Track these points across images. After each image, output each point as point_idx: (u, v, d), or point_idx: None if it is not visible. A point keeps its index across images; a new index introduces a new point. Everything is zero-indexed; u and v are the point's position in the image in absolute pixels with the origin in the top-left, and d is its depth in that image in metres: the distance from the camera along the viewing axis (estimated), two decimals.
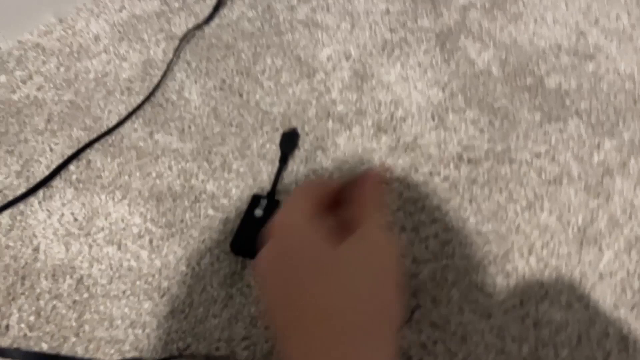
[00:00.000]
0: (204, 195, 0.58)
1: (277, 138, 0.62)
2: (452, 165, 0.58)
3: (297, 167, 0.59)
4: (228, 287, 0.51)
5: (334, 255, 0.31)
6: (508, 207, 0.55)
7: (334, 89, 0.65)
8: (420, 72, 0.66)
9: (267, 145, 0.61)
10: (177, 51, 0.70)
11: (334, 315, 0.29)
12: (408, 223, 0.54)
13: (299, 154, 0.60)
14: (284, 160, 0.58)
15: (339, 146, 0.60)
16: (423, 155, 0.59)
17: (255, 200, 0.54)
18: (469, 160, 0.58)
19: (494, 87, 0.63)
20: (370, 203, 0.34)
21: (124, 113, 0.65)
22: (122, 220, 0.56)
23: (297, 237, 0.32)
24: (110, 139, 0.63)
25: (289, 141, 0.60)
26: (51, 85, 0.68)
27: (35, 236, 0.56)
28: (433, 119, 0.62)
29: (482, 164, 0.58)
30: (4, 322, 0.50)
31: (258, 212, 0.53)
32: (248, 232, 0.52)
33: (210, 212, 0.57)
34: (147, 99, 0.66)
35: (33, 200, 0.58)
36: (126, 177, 0.60)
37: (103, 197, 0.58)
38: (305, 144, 0.61)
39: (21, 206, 0.58)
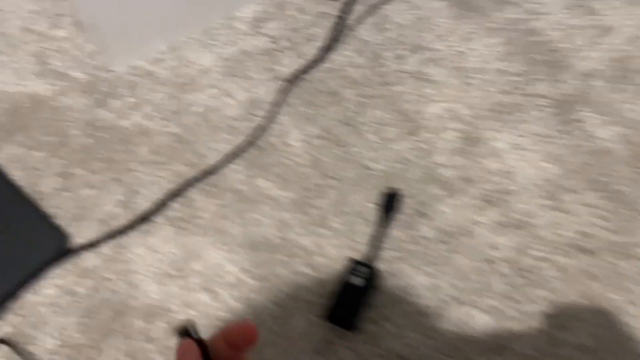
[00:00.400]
0: (299, 251, 0.57)
1: (378, 197, 0.60)
2: (565, 252, 0.55)
3: (397, 232, 0.57)
4: (318, 356, 0.50)
5: None
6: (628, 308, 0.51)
7: (439, 151, 0.63)
8: (535, 142, 0.62)
9: (366, 204, 0.60)
10: (284, 94, 0.70)
11: None
12: (513, 311, 0.51)
13: (400, 218, 0.58)
14: (384, 223, 0.57)
15: (442, 214, 0.58)
16: (533, 237, 0.56)
17: (353, 265, 0.53)
18: (585, 250, 0.55)
19: (617, 168, 0.59)
20: None
21: (226, 152, 0.65)
22: (218, 267, 0.57)
23: None
24: (212, 178, 0.63)
25: (391, 203, 0.58)
26: (159, 115, 0.69)
27: (133, 272, 0.57)
28: (547, 197, 0.58)
29: (600, 255, 0.54)
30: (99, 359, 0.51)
31: (358, 280, 0.52)
32: (347, 302, 0.51)
33: (305, 269, 0.56)
34: (251, 141, 0.66)
35: (135, 234, 0.59)
36: (225, 221, 0.60)
37: (201, 239, 0.59)
38: (406, 208, 0.59)
39: (123, 238, 0.59)
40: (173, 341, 0.52)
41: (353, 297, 0.51)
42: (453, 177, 0.61)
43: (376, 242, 0.55)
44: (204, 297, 0.54)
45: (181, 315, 0.53)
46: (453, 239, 0.56)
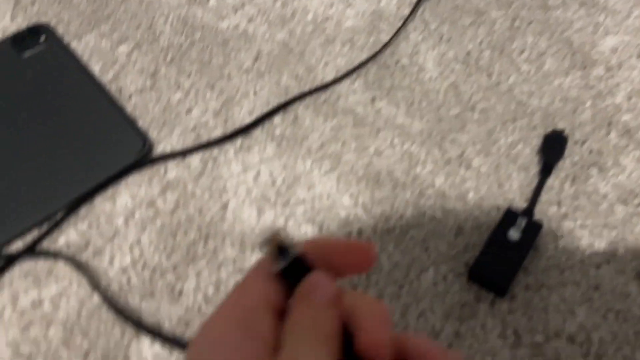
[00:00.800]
0: (430, 191, 0.46)
1: (534, 140, 0.48)
2: None
3: (561, 184, 0.45)
4: (455, 321, 0.39)
5: None
6: None
7: (619, 92, 0.49)
8: None
9: (520, 146, 0.47)
10: (415, 7, 0.57)
11: None
12: None
13: (565, 167, 0.46)
14: (547, 169, 0.44)
15: (624, 169, 0.45)
16: None
17: (509, 216, 0.41)
18: None
19: None
20: (306, 335, 0.21)
21: (343, 68, 0.54)
22: (328, 197, 0.46)
23: None
24: (323, 95, 0.52)
25: (555, 146, 0.46)
26: (264, 19, 0.59)
27: (226, 190, 0.47)
28: None
29: None
30: (179, 286, 0.42)
31: (513, 234, 0.40)
32: (496, 258, 0.39)
33: (439, 214, 0.44)
34: (373, 57, 0.54)
35: (229, 147, 0.49)
36: (338, 146, 0.49)
37: (308, 163, 0.48)
38: (574, 155, 0.46)
39: (215, 151, 0.49)
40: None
41: (505, 254, 0.39)
42: (638, 125, 0.47)
43: (536, 192, 0.43)
44: (310, 230, 0.44)
45: None
46: (637, 199, 0.43)
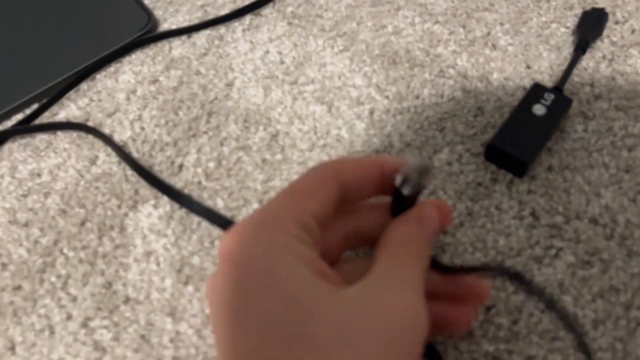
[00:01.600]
0: (452, 71, 0.42)
1: (570, 19, 0.43)
2: None
3: (596, 64, 0.41)
4: (468, 201, 0.36)
5: (336, 298, 0.22)
6: None
7: None
8: None
9: (553, 26, 0.43)
10: None
11: None
12: None
13: (602, 47, 0.41)
14: (582, 47, 0.40)
15: None
16: None
17: (536, 90, 0.37)
18: None
19: None
20: (414, 249, 0.25)
21: None
22: (340, 77, 0.43)
23: (272, 274, 0.22)
24: None
25: (593, 24, 0.41)
26: None
27: (232, 69, 0.44)
28: None
29: None
30: (179, 160, 0.40)
31: (539, 108, 0.36)
32: (518, 133, 0.35)
33: (458, 94, 0.41)
34: None
35: (237, 25, 0.46)
36: (354, 24, 0.45)
37: (320, 42, 0.44)
38: (614, 35, 0.42)
39: (222, 29, 0.46)
40: (272, 153, 0.39)
41: (528, 129, 0.35)
42: None
43: (568, 69, 0.39)
44: (319, 110, 0.41)
45: (286, 127, 0.40)
46: None
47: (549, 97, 0.36)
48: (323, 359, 0.20)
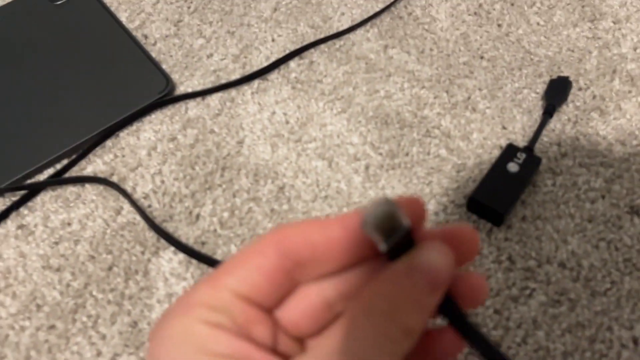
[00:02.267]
0: (437, 131, 0.48)
1: (539, 86, 0.49)
2: None
3: (562, 126, 0.47)
4: None
5: None
6: None
7: (625, 42, 0.51)
8: None
9: (525, 92, 0.49)
10: None
11: None
12: None
13: (568, 111, 0.47)
14: (549, 112, 0.46)
15: (624, 113, 0.46)
16: None
17: (510, 150, 0.43)
18: None
19: None
20: (387, 314, 0.18)
21: (358, 18, 0.56)
22: (338, 136, 0.48)
23: None
24: (338, 42, 0.54)
25: (558, 91, 0.47)
26: None
27: (242, 128, 0.49)
28: None
29: None
30: (196, 211, 0.45)
31: (512, 166, 0.42)
32: (495, 188, 0.41)
33: (443, 152, 0.46)
34: (387, 8, 0.56)
35: (246, 89, 0.52)
36: (350, 89, 0.51)
37: (321, 104, 0.50)
38: (577, 100, 0.48)
39: (233, 92, 0.52)
40: (279, 204, 0.44)
41: (504, 184, 0.41)
42: None
43: (537, 131, 0.45)
44: (320, 165, 0.46)
45: (291, 180, 0.46)
46: (635, 140, 0.45)
47: (521, 156, 0.42)
48: None
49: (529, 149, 0.43)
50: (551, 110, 0.46)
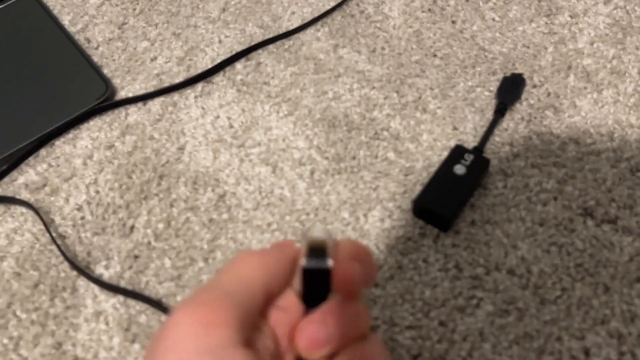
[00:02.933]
0: (386, 133, 0.45)
1: (493, 84, 0.47)
2: None
3: (515, 125, 0.45)
4: (399, 255, 0.39)
5: None
6: None
7: (582, 37, 0.49)
8: None
9: (478, 90, 0.47)
10: None
11: None
12: None
13: (521, 109, 0.45)
14: (501, 111, 0.44)
15: (579, 110, 0.44)
16: None
17: (457, 152, 0.41)
18: None
19: None
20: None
21: (308, 17, 0.54)
22: (284, 140, 0.46)
23: None
24: (287, 43, 0.52)
25: (511, 89, 0.45)
26: None
27: (184, 134, 0.47)
28: None
29: None
30: (130, 222, 0.42)
31: (459, 168, 0.40)
32: (441, 192, 0.39)
33: (391, 155, 0.44)
34: (339, 5, 0.54)
35: (190, 92, 0.50)
36: (298, 91, 0.49)
37: (267, 107, 0.48)
38: (531, 98, 0.46)
39: (176, 96, 0.49)
40: (219, 213, 0.42)
41: (450, 187, 0.39)
42: (598, 68, 0.47)
43: (487, 131, 0.43)
44: (264, 171, 0.44)
45: (233, 188, 0.43)
46: (590, 139, 0.43)
47: (469, 158, 0.40)
48: None
49: (478, 150, 0.41)
50: (503, 110, 0.44)
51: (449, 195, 0.38)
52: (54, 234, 0.42)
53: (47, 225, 0.42)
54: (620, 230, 0.38)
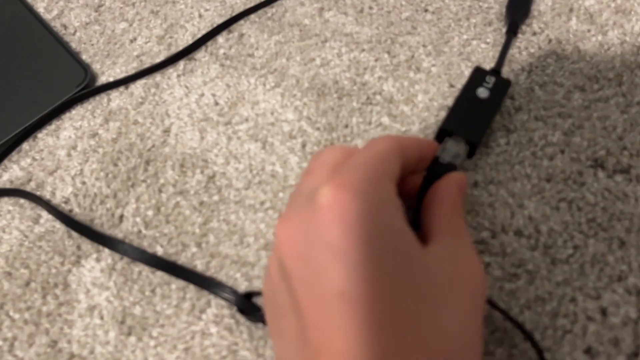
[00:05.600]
0: (378, 97, 0.43)
1: (490, 35, 0.44)
2: None
3: (515, 76, 0.42)
4: None
5: (423, 257, 0.23)
6: None
7: None
8: None
9: (474, 43, 0.44)
10: None
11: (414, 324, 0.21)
12: None
13: (521, 59, 0.42)
14: (513, 30, 0.41)
15: (584, 55, 0.41)
16: None
17: (478, 75, 0.38)
18: None
19: None
20: (458, 212, 0.27)
21: None
22: (272, 113, 0.44)
23: (385, 217, 0.23)
24: (270, 11, 0.49)
25: (520, 6, 0.42)
26: None
27: (168, 115, 0.45)
28: None
29: None
30: (119, 211, 0.41)
31: (482, 92, 0.37)
32: (468, 116, 0.36)
33: (385, 120, 0.42)
34: None
35: (172, 72, 0.47)
36: (283, 60, 0.46)
37: (252, 80, 0.46)
38: (531, 47, 0.43)
39: (157, 77, 0.47)
40: (209, 195, 0.40)
41: (477, 110, 0.36)
42: (601, 9, 0.43)
43: (502, 52, 0.40)
44: (253, 147, 0.42)
45: (222, 167, 0.41)
46: (596, 85, 0.40)
47: (491, 80, 0.37)
48: (430, 307, 0.22)
49: (496, 71, 0.39)
50: (515, 28, 0.41)
51: (475, 121, 0.36)
52: (42, 229, 0.40)
53: (51, 207, 0.40)
54: (634, 179, 0.35)
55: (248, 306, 0.35)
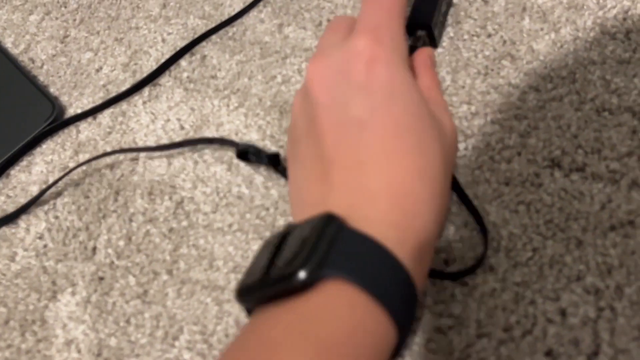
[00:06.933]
0: None
1: (445, 38, 0.45)
2: None
3: (472, 80, 0.42)
4: None
5: (427, 105, 0.27)
6: None
7: None
8: None
9: None
10: None
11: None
12: None
13: (476, 62, 0.43)
14: None
15: (537, 54, 0.41)
16: None
17: None
18: None
19: None
20: (435, 81, 0.31)
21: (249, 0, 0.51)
22: (237, 134, 0.44)
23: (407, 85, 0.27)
24: (230, 30, 0.50)
25: None
26: None
27: (136, 143, 0.46)
28: None
29: None
30: (91, 244, 0.41)
31: None
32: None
33: None
34: None
35: (137, 99, 0.48)
36: (246, 80, 0.47)
37: (216, 102, 0.46)
38: (486, 49, 0.43)
39: (124, 105, 0.48)
40: (178, 221, 0.41)
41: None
42: (553, 5, 0.43)
43: None
44: (219, 170, 0.43)
45: (190, 192, 0.42)
46: (550, 84, 0.40)
47: None
48: (427, 144, 0.25)
49: None
50: None
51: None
52: (18, 267, 0.41)
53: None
54: (590, 177, 0.36)
55: None
